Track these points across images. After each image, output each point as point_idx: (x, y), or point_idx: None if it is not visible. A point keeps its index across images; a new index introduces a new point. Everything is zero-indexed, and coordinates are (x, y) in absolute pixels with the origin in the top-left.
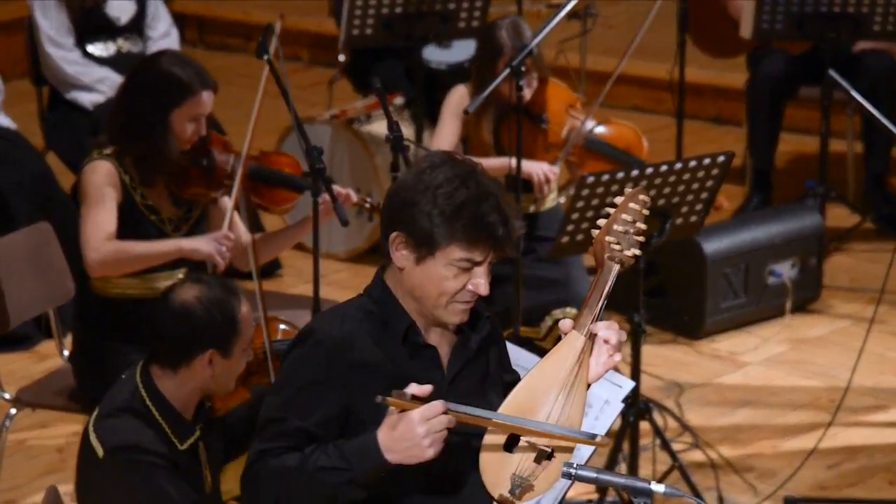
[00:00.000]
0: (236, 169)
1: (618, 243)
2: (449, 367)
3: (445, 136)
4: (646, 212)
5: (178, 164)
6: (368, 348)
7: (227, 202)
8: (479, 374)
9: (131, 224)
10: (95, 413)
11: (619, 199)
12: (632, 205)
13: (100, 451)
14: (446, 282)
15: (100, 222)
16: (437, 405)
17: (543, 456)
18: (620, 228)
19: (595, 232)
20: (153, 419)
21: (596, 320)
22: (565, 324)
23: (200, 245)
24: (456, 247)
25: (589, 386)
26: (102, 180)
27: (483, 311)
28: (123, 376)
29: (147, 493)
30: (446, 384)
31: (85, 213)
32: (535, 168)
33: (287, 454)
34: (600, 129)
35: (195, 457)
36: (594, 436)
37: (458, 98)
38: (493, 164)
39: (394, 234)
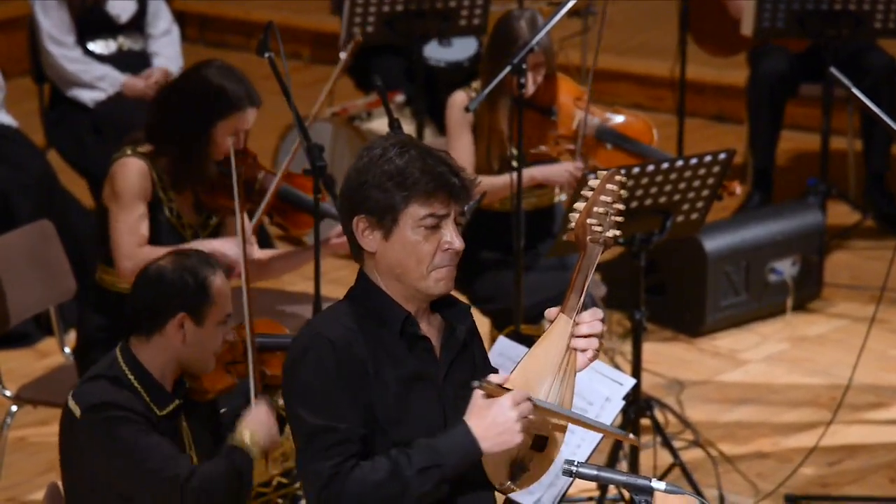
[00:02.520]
0: (264, 185)
1: (599, 225)
2: (442, 359)
3: (461, 150)
4: (623, 192)
5: (210, 174)
6: (370, 345)
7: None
8: (469, 366)
9: (152, 224)
10: (75, 386)
11: (595, 182)
12: (609, 186)
13: (77, 412)
14: (419, 246)
15: (133, 227)
16: (525, 391)
17: (539, 442)
18: (600, 210)
19: (574, 216)
20: (130, 385)
21: (582, 303)
22: (550, 312)
23: (227, 249)
24: (415, 204)
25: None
26: (136, 180)
27: (464, 304)
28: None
29: (125, 447)
30: (442, 375)
31: (117, 215)
32: (558, 171)
33: (364, 465)
34: (611, 120)
35: (176, 431)
36: (626, 434)
37: (459, 109)
38: (497, 182)
39: (355, 221)
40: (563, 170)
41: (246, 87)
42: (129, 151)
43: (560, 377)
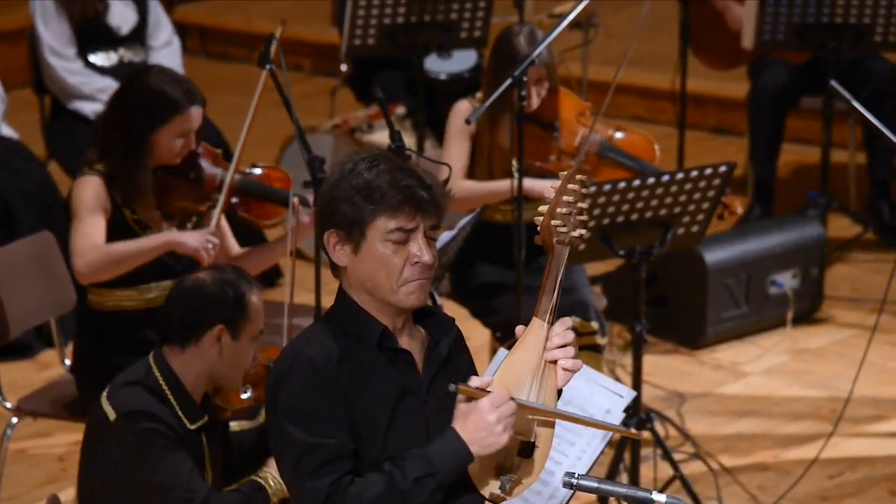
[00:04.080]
0: (224, 181)
1: (563, 226)
2: (425, 372)
3: (455, 155)
4: (584, 191)
5: (160, 179)
6: (349, 361)
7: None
8: (453, 379)
9: (119, 238)
10: (108, 387)
11: (555, 184)
12: (570, 186)
13: (112, 415)
14: (388, 260)
15: (86, 232)
16: (505, 392)
17: (527, 448)
18: (564, 210)
19: (539, 219)
20: (165, 397)
21: (556, 306)
22: (518, 330)
23: (186, 238)
24: (382, 218)
25: (560, 392)
26: (91, 195)
27: (448, 317)
28: (137, 362)
29: (151, 459)
30: (424, 388)
31: (73, 227)
32: (542, 186)
33: (359, 481)
34: (613, 137)
35: (199, 443)
36: (627, 428)
37: (461, 117)
38: (496, 187)
39: (326, 235)
40: (548, 186)
41: (185, 87)
42: (85, 170)
43: (538, 381)
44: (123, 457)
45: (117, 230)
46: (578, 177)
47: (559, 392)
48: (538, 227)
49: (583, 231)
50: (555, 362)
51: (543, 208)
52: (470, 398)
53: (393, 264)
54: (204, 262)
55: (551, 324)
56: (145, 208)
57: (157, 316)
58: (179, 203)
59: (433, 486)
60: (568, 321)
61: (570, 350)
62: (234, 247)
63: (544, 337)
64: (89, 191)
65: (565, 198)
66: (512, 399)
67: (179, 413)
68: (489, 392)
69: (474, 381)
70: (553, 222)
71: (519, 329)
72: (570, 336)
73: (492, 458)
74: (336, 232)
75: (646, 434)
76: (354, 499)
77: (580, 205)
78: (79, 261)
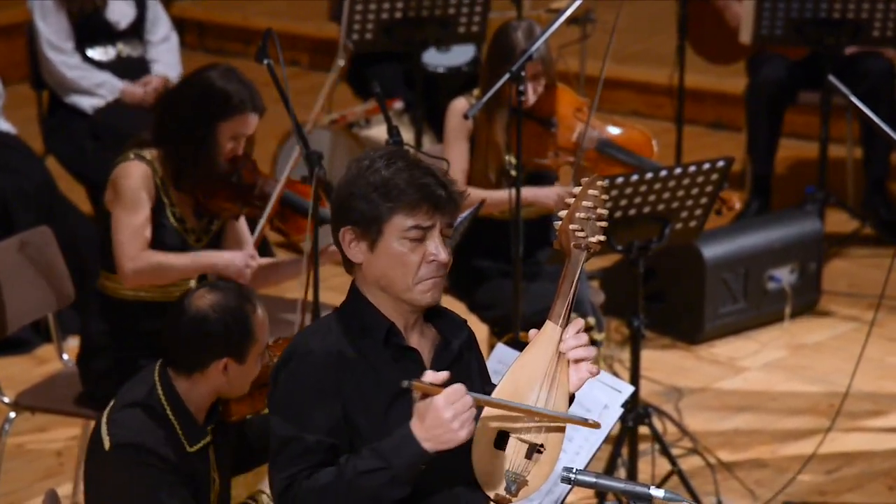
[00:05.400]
0: (264, 190)
1: (582, 230)
2: (434, 369)
3: (456, 158)
4: (605, 197)
5: (213, 177)
6: (353, 356)
7: (244, 222)
8: (464, 378)
9: (156, 227)
10: (112, 404)
11: (576, 189)
12: (591, 191)
13: (107, 444)
14: (404, 258)
15: (135, 229)
16: (459, 388)
17: (534, 450)
18: (583, 215)
19: (558, 224)
20: (166, 418)
21: (569, 309)
22: (532, 334)
23: (235, 260)
24: (399, 216)
25: (573, 397)
26: (138, 182)
27: (460, 318)
28: (142, 372)
29: (142, 495)
30: None
31: (119, 217)
32: (546, 194)
33: (317, 472)
34: (611, 133)
35: (204, 459)
36: (586, 419)
37: (457, 115)
38: (496, 197)
39: (342, 232)
40: (553, 193)
41: (250, 92)
42: (131, 155)
43: (549, 383)
44: (116, 489)
45: (154, 218)
46: (599, 183)
47: (572, 397)
48: (556, 231)
49: (602, 237)
50: (567, 364)
51: (562, 213)
52: (425, 395)
53: (409, 262)
54: (244, 282)
55: (564, 328)
56: (183, 201)
57: (161, 340)
58: (220, 203)
59: (385, 479)
60: (580, 323)
61: (592, 350)
62: (256, 259)
63: (557, 340)
64: (137, 177)
65: (585, 203)
66: (467, 394)
67: (180, 435)
68: (442, 388)
69: (427, 376)
70: (571, 226)
71: (532, 332)
72: (585, 338)
73: (499, 459)
74: (352, 229)
75: (644, 429)
76: (307, 490)
77: (600, 210)
78: (128, 264)
